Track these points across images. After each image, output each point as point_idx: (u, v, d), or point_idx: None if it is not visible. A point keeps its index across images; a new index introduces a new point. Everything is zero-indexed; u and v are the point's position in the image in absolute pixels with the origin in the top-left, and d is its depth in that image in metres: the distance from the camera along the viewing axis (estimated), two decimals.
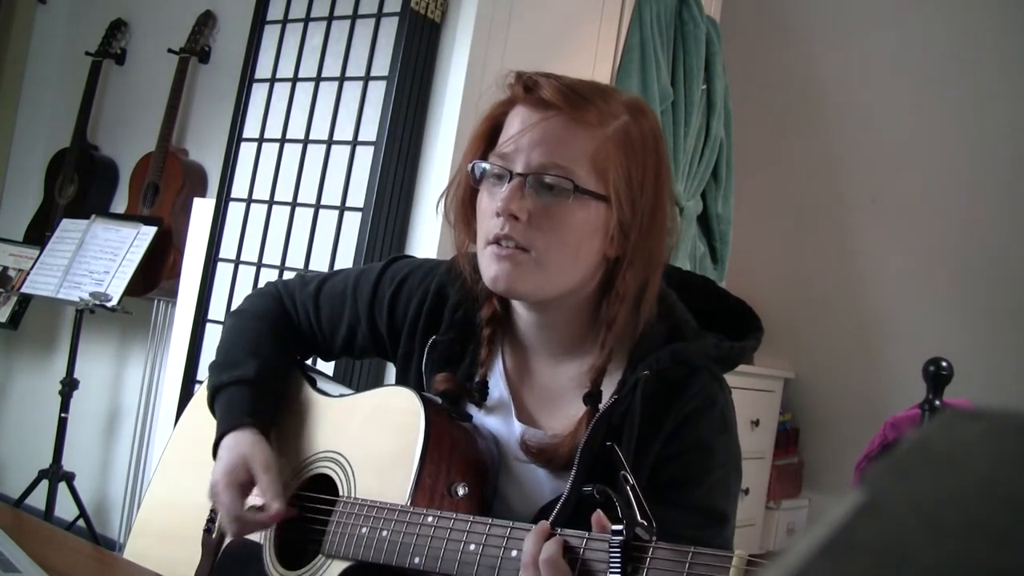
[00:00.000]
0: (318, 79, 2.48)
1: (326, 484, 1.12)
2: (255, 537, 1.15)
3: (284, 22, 2.58)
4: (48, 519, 2.77)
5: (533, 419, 1.09)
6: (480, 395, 1.10)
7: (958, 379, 2.06)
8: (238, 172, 2.59)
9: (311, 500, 1.12)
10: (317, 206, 2.41)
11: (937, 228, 3.47)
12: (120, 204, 3.37)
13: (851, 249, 3.68)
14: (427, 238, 2.33)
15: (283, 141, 2.52)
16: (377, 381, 2.24)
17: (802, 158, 3.81)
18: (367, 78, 2.38)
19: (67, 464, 2.90)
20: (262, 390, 1.19)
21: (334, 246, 2.35)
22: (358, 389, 1.21)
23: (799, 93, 3.83)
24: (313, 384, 1.25)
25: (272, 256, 2.47)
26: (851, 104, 3.71)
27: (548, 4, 2.64)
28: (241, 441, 1.13)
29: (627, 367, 1.03)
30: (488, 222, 1.01)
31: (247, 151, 2.58)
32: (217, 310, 2.53)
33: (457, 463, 1.03)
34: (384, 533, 0.99)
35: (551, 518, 0.92)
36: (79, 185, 3.40)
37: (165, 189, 3.11)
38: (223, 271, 2.56)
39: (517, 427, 1.08)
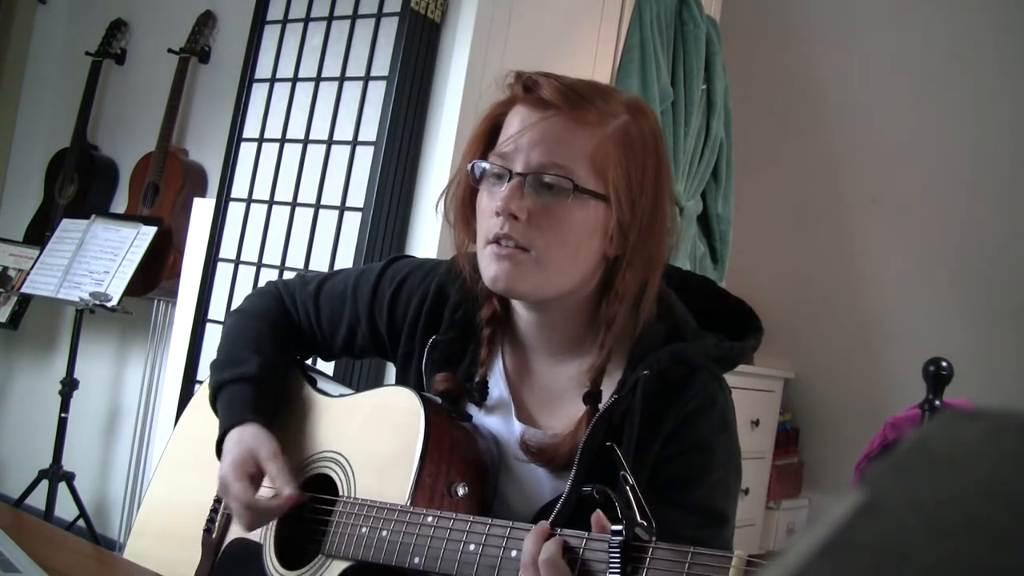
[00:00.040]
0: (318, 79, 2.48)
1: (326, 484, 1.12)
2: (255, 537, 1.15)
3: (284, 22, 2.58)
4: (48, 519, 2.77)
5: (533, 419, 1.09)
6: (480, 395, 1.10)
7: (958, 379, 2.06)
8: (238, 172, 2.59)
9: (311, 500, 1.12)
10: (317, 206, 2.41)
11: (937, 228, 3.47)
12: (120, 204, 3.37)
13: (851, 249, 3.68)
14: (427, 238, 2.33)
15: (283, 141, 2.52)
16: (377, 381, 2.24)
17: (802, 158, 3.81)
18: (367, 78, 2.38)
19: (67, 464, 2.90)
20: (264, 387, 1.19)
21: (334, 246, 2.35)
22: (358, 389, 1.21)
23: (799, 93, 3.83)
24: (313, 384, 1.25)
25: (272, 256, 2.47)
26: (851, 104, 3.71)
27: (548, 4, 2.64)
28: (246, 435, 1.13)
29: (627, 367, 1.03)
30: (488, 221, 1.01)
31: (247, 151, 2.58)
32: (217, 310, 2.53)
33: (457, 463, 1.03)
34: (384, 533, 0.99)
35: (551, 518, 0.92)
36: (79, 185, 3.40)
37: (165, 189, 3.11)
38: (223, 271, 2.56)
39: (517, 427, 1.08)
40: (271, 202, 2.51)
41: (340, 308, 1.23)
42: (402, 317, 1.17)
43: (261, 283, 2.40)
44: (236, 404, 1.17)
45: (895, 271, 3.55)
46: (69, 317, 3.26)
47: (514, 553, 0.89)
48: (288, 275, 1.54)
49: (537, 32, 2.57)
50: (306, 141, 2.47)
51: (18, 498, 2.91)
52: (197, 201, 2.81)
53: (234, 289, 2.51)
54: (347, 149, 2.38)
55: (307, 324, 1.27)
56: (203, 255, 2.60)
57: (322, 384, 1.25)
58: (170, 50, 3.21)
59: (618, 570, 0.82)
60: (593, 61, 2.80)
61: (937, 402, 2.02)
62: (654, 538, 0.83)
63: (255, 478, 1.11)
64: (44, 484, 2.87)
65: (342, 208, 2.36)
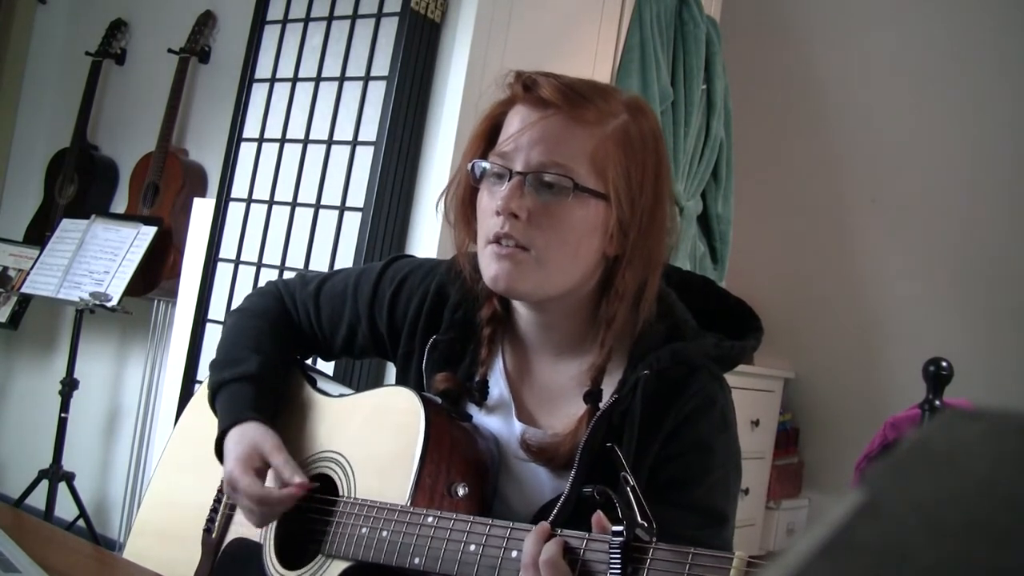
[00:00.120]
0: (318, 79, 2.48)
1: (326, 484, 1.12)
2: (255, 537, 1.15)
3: (284, 22, 2.58)
4: (48, 519, 2.77)
5: (533, 418, 1.09)
6: (480, 394, 1.10)
7: (958, 379, 2.06)
8: (238, 172, 2.59)
9: (311, 500, 1.12)
10: (317, 206, 2.41)
11: (937, 228, 3.47)
12: (120, 204, 3.37)
13: (851, 249, 3.68)
14: (427, 238, 2.33)
15: (283, 141, 2.52)
16: (377, 381, 2.24)
17: (802, 158, 3.81)
18: (367, 78, 2.38)
19: (67, 464, 2.90)
20: (264, 386, 1.19)
21: (334, 246, 2.35)
22: (358, 389, 1.21)
23: (799, 93, 3.83)
24: (313, 384, 1.25)
25: (272, 256, 2.47)
26: (851, 104, 3.71)
27: (548, 4, 2.64)
28: (248, 432, 1.13)
29: (627, 366, 1.03)
30: (488, 221, 1.01)
31: (247, 151, 2.58)
32: (217, 310, 2.53)
33: (457, 463, 1.03)
34: (384, 533, 0.99)
35: (551, 517, 0.92)
36: (79, 185, 3.40)
37: (165, 189, 3.11)
38: (223, 271, 2.56)
39: (517, 426, 1.08)
40: (271, 202, 2.51)
41: (340, 308, 1.23)
42: (402, 317, 1.18)
43: (261, 283, 2.40)
44: (236, 403, 1.17)
45: (895, 271, 3.55)
46: (69, 317, 3.26)
47: (514, 554, 0.89)
48: (288, 275, 1.54)
49: (537, 32, 2.57)
50: (306, 141, 2.47)
51: (18, 498, 2.91)
52: (197, 201, 2.81)
53: (234, 289, 2.51)
54: (347, 149, 2.38)
55: (307, 324, 1.27)
56: (203, 255, 2.60)
57: (322, 384, 1.25)
58: (170, 50, 3.21)
59: (619, 571, 0.82)
60: (593, 61, 2.80)
61: (937, 402, 2.02)
62: (655, 539, 0.83)
63: (261, 472, 1.11)
64: (44, 484, 2.87)
65: (342, 208, 2.36)
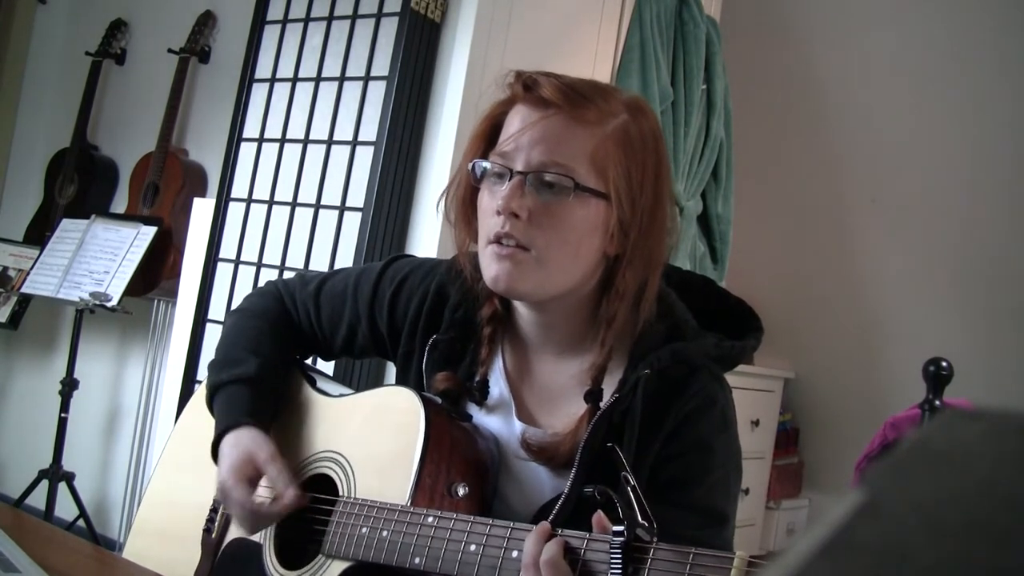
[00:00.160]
0: (318, 79, 2.48)
1: (326, 484, 1.12)
2: (255, 537, 1.15)
3: (284, 22, 2.58)
4: (48, 519, 2.77)
5: (533, 417, 1.09)
6: (481, 394, 1.10)
7: (958, 379, 2.06)
8: (238, 172, 2.59)
9: (311, 500, 1.12)
10: (317, 206, 2.41)
11: (937, 228, 3.47)
12: (120, 204, 3.37)
13: (851, 249, 3.68)
14: (427, 238, 2.33)
15: (283, 141, 2.52)
16: (377, 381, 2.24)
17: (802, 158, 3.81)
18: (367, 78, 2.38)
19: (67, 464, 2.90)
20: (262, 389, 1.19)
21: (334, 246, 2.35)
22: (358, 389, 1.21)
23: (799, 93, 3.83)
24: (313, 384, 1.25)
25: (272, 256, 2.47)
26: (851, 104, 3.71)
27: (548, 4, 2.64)
28: (243, 438, 1.13)
29: (627, 365, 1.03)
30: (489, 220, 1.01)
31: (247, 151, 2.58)
32: (217, 310, 2.53)
33: (457, 463, 1.03)
34: (384, 533, 0.99)
35: (551, 517, 0.92)
36: (79, 185, 3.40)
37: (165, 189, 3.11)
38: (223, 271, 2.56)
39: (517, 426, 1.08)
40: (271, 202, 2.51)
41: (340, 308, 1.23)
42: (402, 317, 1.18)
43: (261, 283, 2.40)
44: (233, 406, 1.16)
45: (895, 271, 3.55)
46: (69, 317, 3.26)
47: (515, 554, 0.89)
48: (288, 275, 1.54)
49: (537, 32, 2.57)
50: (306, 141, 2.47)
51: (18, 498, 2.91)
52: (197, 201, 2.81)
53: (234, 289, 2.51)
54: (347, 149, 2.38)
55: (307, 324, 1.27)
56: (203, 255, 2.60)
57: (322, 384, 1.25)
58: (170, 50, 3.21)
59: (619, 571, 0.82)
60: (593, 61, 2.80)
61: (937, 402, 2.02)
62: (655, 539, 0.83)
63: (253, 481, 1.11)
64: (44, 484, 2.87)
65: (342, 208, 2.36)
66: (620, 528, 0.83)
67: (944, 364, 2.02)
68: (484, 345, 1.11)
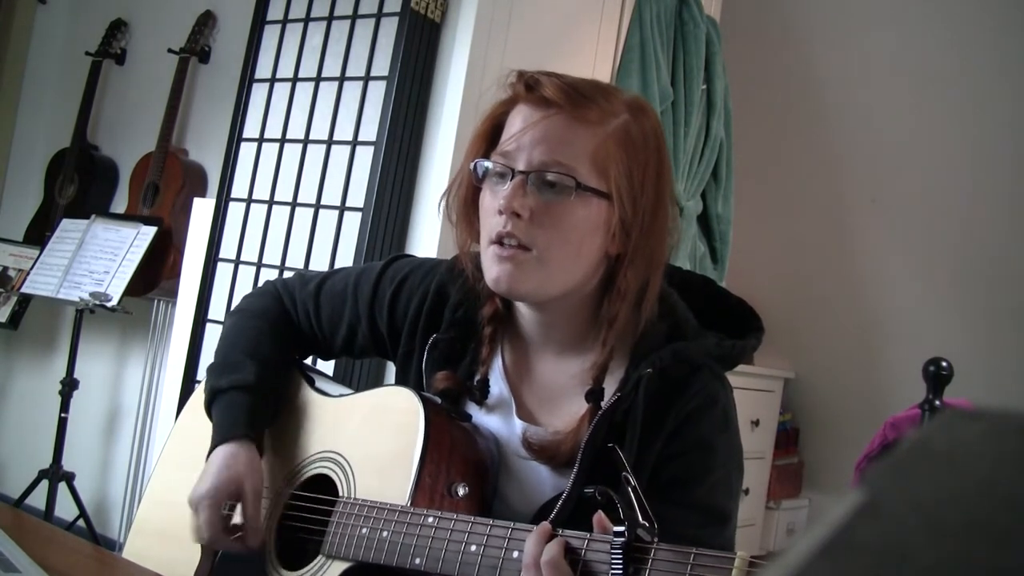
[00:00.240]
0: (318, 79, 2.48)
1: (325, 484, 1.12)
2: (259, 534, 1.15)
3: (284, 22, 2.58)
4: (48, 519, 2.77)
5: (533, 416, 1.09)
6: (481, 393, 1.10)
7: (958, 379, 2.05)
8: (238, 172, 2.59)
9: (311, 500, 1.12)
10: (317, 206, 2.41)
11: (937, 228, 3.47)
12: (120, 204, 3.37)
13: (851, 249, 3.68)
14: (427, 238, 2.33)
15: (283, 141, 2.52)
16: (377, 381, 2.24)
17: (802, 158, 3.81)
18: (367, 78, 2.38)
19: (67, 464, 2.90)
20: (261, 395, 1.19)
21: (334, 246, 2.35)
22: (357, 389, 1.21)
23: (799, 93, 3.83)
24: (312, 384, 1.24)
25: (272, 256, 2.47)
26: (851, 104, 3.71)
27: (548, 4, 2.64)
28: (238, 459, 1.12)
29: (629, 365, 1.03)
30: (490, 220, 1.01)
31: (247, 151, 2.58)
32: (217, 310, 2.53)
33: (457, 463, 1.03)
34: (384, 534, 0.99)
35: (552, 517, 0.92)
36: (79, 185, 3.40)
37: (165, 189, 3.11)
38: (223, 271, 2.56)
39: (518, 424, 1.08)
40: (271, 202, 2.51)
41: (340, 307, 1.23)
42: (402, 316, 1.18)
43: (261, 283, 2.40)
44: (232, 416, 1.16)
45: (895, 271, 3.55)
46: (69, 317, 3.26)
47: (516, 554, 0.89)
48: (288, 275, 1.54)
49: (537, 32, 2.57)
50: (306, 141, 2.47)
51: (18, 498, 2.91)
52: (197, 201, 2.81)
53: (234, 289, 2.51)
54: (347, 149, 2.38)
55: (307, 324, 1.27)
56: (203, 255, 2.60)
57: (321, 384, 1.25)
58: (170, 50, 3.21)
59: (620, 571, 0.82)
60: (593, 61, 2.80)
61: (937, 402, 2.02)
62: (656, 539, 0.83)
63: (232, 504, 1.12)
64: (44, 484, 2.87)
65: (342, 208, 2.36)
66: (621, 528, 0.83)
67: (944, 364, 2.02)
68: (485, 344, 1.11)
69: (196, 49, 3.19)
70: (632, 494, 0.84)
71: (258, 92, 2.59)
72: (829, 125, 3.75)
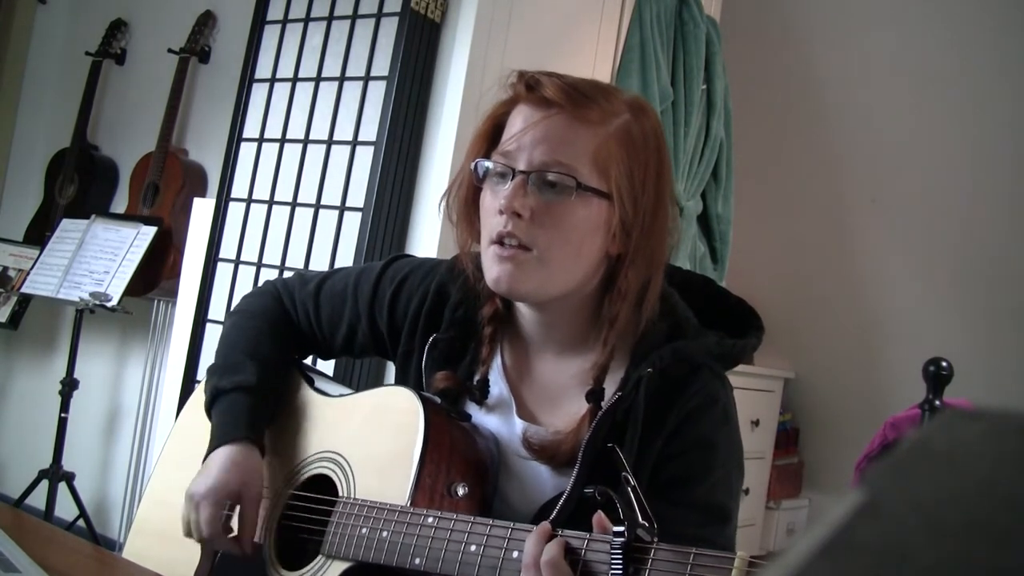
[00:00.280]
0: (318, 79, 2.48)
1: (325, 484, 1.12)
2: (254, 538, 1.15)
3: (284, 22, 2.58)
4: (48, 519, 2.77)
5: (533, 416, 1.09)
6: (481, 393, 1.10)
7: (958, 379, 2.05)
8: (238, 172, 2.59)
9: (311, 500, 1.12)
10: (317, 206, 2.41)
11: (937, 228, 3.47)
12: (120, 204, 3.37)
13: (851, 249, 3.68)
14: (427, 238, 2.33)
15: (283, 141, 2.52)
16: (377, 381, 2.24)
17: (802, 158, 3.81)
18: (367, 78, 2.38)
19: (67, 464, 2.90)
20: (262, 396, 1.19)
21: (334, 246, 2.35)
22: (357, 389, 1.21)
23: (799, 93, 3.83)
24: (312, 384, 1.24)
25: (272, 256, 2.47)
26: (851, 104, 3.71)
27: (548, 4, 2.64)
28: (242, 461, 1.13)
29: (629, 364, 1.03)
30: (491, 220, 1.01)
31: (247, 151, 2.58)
32: (217, 310, 2.53)
33: (457, 463, 1.03)
34: (384, 534, 0.99)
35: (552, 517, 0.92)
36: (79, 185, 3.40)
37: (165, 189, 3.11)
38: (223, 271, 2.56)
39: (518, 424, 1.08)
40: (271, 202, 2.51)
41: (340, 307, 1.23)
42: (402, 316, 1.18)
43: (261, 283, 2.40)
44: (233, 417, 1.16)
45: (895, 271, 3.55)
46: (69, 317, 3.26)
47: (515, 554, 0.89)
48: (287, 275, 1.54)
49: (537, 32, 2.57)
50: (306, 141, 2.47)
51: (18, 498, 2.91)
52: (197, 201, 2.81)
53: (234, 289, 2.51)
54: (347, 149, 2.38)
55: (306, 323, 1.27)
56: (203, 255, 2.60)
57: (320, 384, 1.25)
58: (170, 50, 3.21)
59: (620, 571, 0.82)
60: (593, 61, 2.80)
61: (937, 402, 2.02)
62: (656, 539, 0.83)
63: (232, 504, 1.12)
64: (44, 484, 2.87)
65: (342, 208, 2.36)
66: (621, 528, 0.83)
67: (944, 364, 2.02)
68: (485, 344, 1.11)
69: (196, 49, 3.19)
70: (632, 494, 0.84)
71: (258, 92, 2.59)
72: (829, 125, 3.75)
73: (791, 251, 3.80)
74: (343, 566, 1.04)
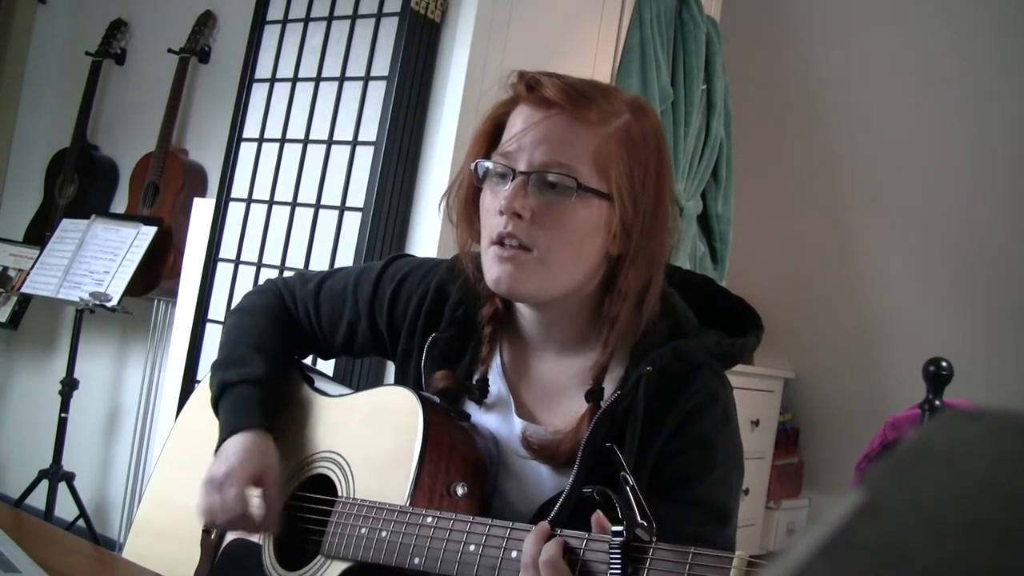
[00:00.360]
0: (318, 79, 2.48)
1: (325, 484, 1.12)
2: (254, 538, 1.15)
3: (284, 22, 2.58)
4: (48, 519, 2.77)
5: (532, 415, 1.09)
6: (480, 392, 1.10)
7: (958, 379, 2.05)
8: (238, 172, 2.59)
9: (310, 500, 1.12)
10: (317, 206, 2.41)
11: (937, 228, 3.47)
12: (120, 204, 3.37)
13: (851, 249, 3.68)
14: (427, 238, 2.33)
15: (283, 141, 2.52)
16: (377, 381, 2.24)
17: (802, 158, 3.81)
18: (367, 78, 2.38)
19: (67, 464, 2.90)
20: (270, 390, 1.18)
21: (334, 246, 2.35)
22: (357, 389, 1.21)
23: (799, 93, 3.83)
24: (311, 384, 1.24)
25: (272, 256, 2.47)
26: (851, 104, 3.71)
27: (548, 4, 2.64)
28: (259, 446, 1.12)
29: (629, 364, 1.03)
30: (491, 220, 1.01)
31: (247, 151, 2.58)
32: (217, 310, 2.53)
33: (456, 463, 1.03)
34: (383, 534, 0.99)
35: (551, 516, 0.92)
36: (79, 185, 3.40)
37: (165, 189, 3.11)
38: (223, 271, 2.56)
39: (518, 423, 1.08)
40: (271, 202, 2.51)
41: (340, 306, 1.23)
42: (402, 315, 1.18)
43: (261, 283, 2.40)
44: (245, 408, 1.15)
45: (895, 271, 3.55)
46: (69, 317, 3.26)
47: (514, 554, 0.89)
48: (288, 275, 1.54)
49: (537, 32, 2.57)
50: (306, 141, 2.47)
51: (18, 498, 2.91)
52: (197, 201, 2.81)
53: (234, 289, 2.51)
54: (347, 149, 2.38)
55: (307, 322, 1.27)
56: (203, 255, 2.60)
57: (320, 384, 1.25)
58: (170, 50, 3.21)
59: (619, 571, 0.82)
60: (593, 61, 2.80)
61: (937, 402, 2.02)
62: (655, 539, 0.83)
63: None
64: (44, 484, 2.87)
65: (342, 208, 2.36)
66: (619, 528, 0.83)
67: (944, 364, 2.02)
68: (484, 343, 1.11)
69: (196, 49, 3.19)
70: (631, 494, 0.84)
71: (258, 92, 2.59)
72: (829, 125, 3.75)
73: (791, 251, 3.80)
74: (342, 566, 1.04)
